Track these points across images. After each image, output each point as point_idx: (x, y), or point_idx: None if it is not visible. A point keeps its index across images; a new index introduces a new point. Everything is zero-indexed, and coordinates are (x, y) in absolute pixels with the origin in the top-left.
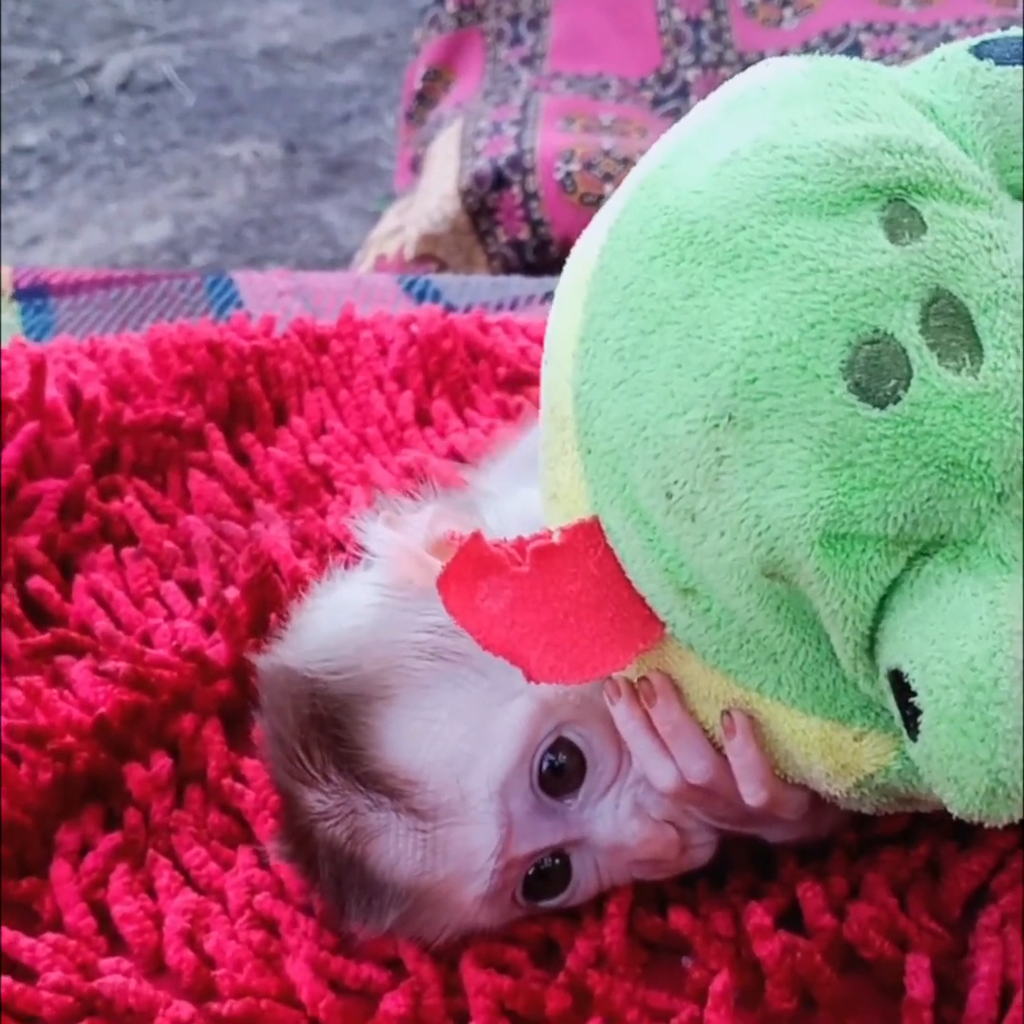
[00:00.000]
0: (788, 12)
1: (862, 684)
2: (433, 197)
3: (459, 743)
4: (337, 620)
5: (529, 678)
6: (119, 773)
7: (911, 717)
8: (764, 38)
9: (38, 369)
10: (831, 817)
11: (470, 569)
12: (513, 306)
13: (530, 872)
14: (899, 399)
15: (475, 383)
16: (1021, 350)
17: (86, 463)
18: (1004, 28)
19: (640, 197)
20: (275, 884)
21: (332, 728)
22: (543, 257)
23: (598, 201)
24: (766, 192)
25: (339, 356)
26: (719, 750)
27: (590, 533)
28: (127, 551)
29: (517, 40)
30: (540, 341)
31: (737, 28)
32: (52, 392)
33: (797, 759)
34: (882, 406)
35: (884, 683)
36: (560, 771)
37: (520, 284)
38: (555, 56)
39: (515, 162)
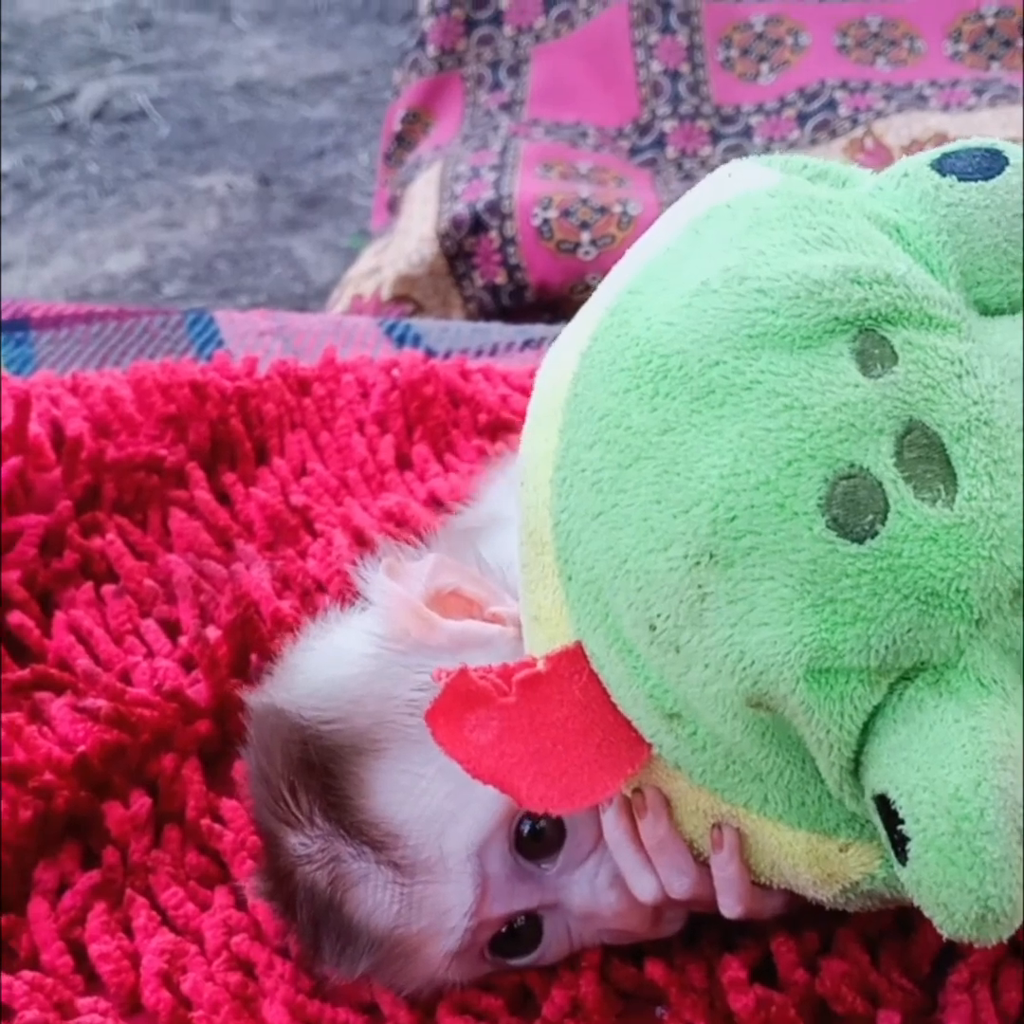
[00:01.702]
0: (764, 67)
1: (848, 802)
2: (411, 239)
3: (443, 801)
4: (332, 666)
5: (521, 806)
6: (98, 811)
7: (899, 843)
8: (741, 92)
9: (22, 404)
10: (801, 900)
11: (458, 702)
12: (493, 353)
13: (501, 931)
14: (877, 534)
15: (455, 429)
16: (994, 477)
17: (68, 499)
18: (977, 90)
19: (611, 324)
20: (252, 926)
21: (321, 775)
22: (519, 302)
23: (574, 249)
24: (738, 327)
25: (321, 398)
26: (702, 862)
27: (574, 659)
28: (107, 588)
29: (497, 86)
30: (521, 389)
31: (714, 81)
32: (35, 427)
33: (784, 869)
34: (860, 541)
35: (870, 804)
36: (539, 836)
37: (500, 331)
38: (534, 103)
39: (493, 207)
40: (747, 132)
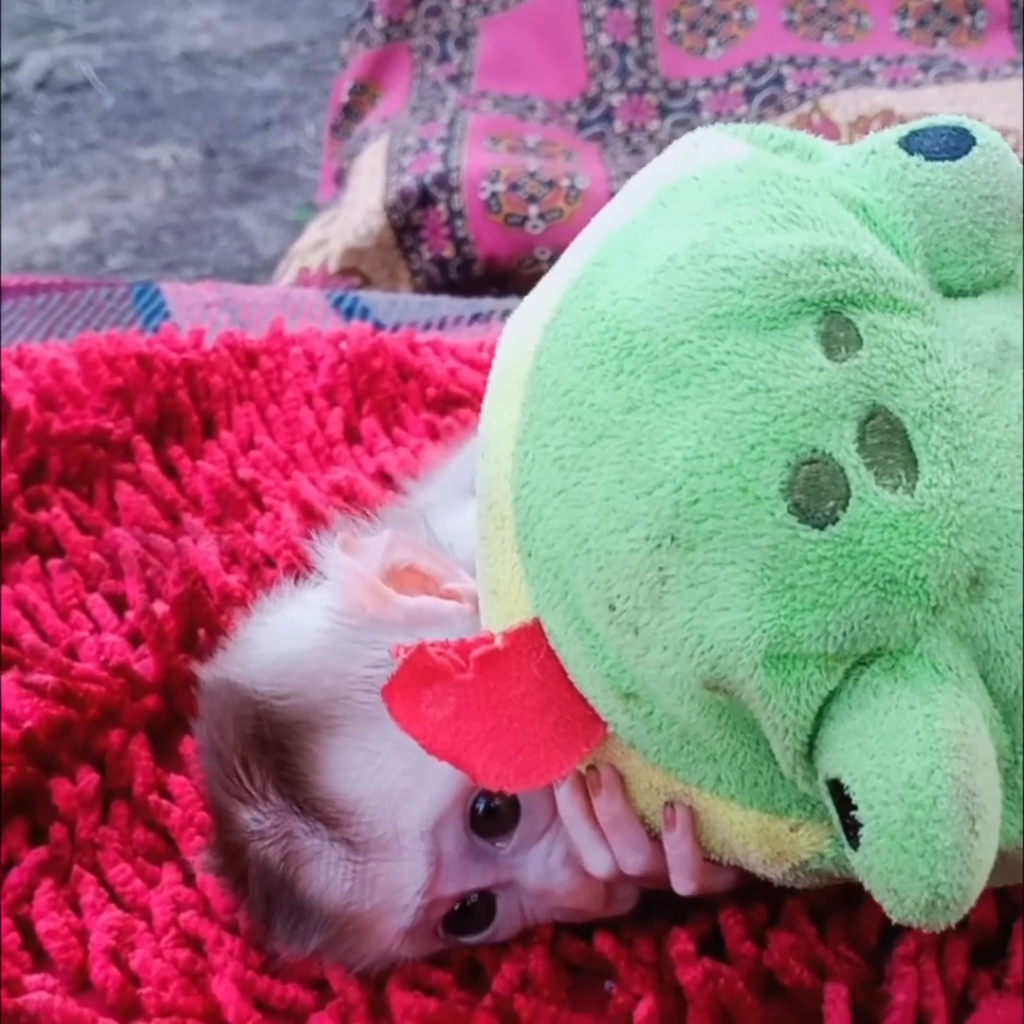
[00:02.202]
0: (712, 42)
1: (800, 784)
2: (358, 211)
3: (398, 778)
4: (286, 641)
5: (476, 783)
6: (45, 787)
7: (851, 827)
8: (689, 66)
9: None
10: (751, 875)
11: (415, 678)
12: (441, 326)
13: (454, 908)
14: (837, 519)
15: (404, 402)
16: (955, 463)
17: (13, 473)
18: (923, 67)
19: (576, 297)
20: (201, 902)
21: (275, 750)
22: (466, 275)
23: (522, 222)
24: (704, 306)
25: (269, 371)
26: (654, 837)
27: (532, 636)
28: (53, 562)
29: (445, 58)
30: (470, 363)
31: (662, 55)
32: None
33: (734, 846)
34: (821, 527)
35: (823, 787)
36: (494, 814)
37: (448, 304)
38: (482, 75)
39: (441, 180)
40: (695, 107)
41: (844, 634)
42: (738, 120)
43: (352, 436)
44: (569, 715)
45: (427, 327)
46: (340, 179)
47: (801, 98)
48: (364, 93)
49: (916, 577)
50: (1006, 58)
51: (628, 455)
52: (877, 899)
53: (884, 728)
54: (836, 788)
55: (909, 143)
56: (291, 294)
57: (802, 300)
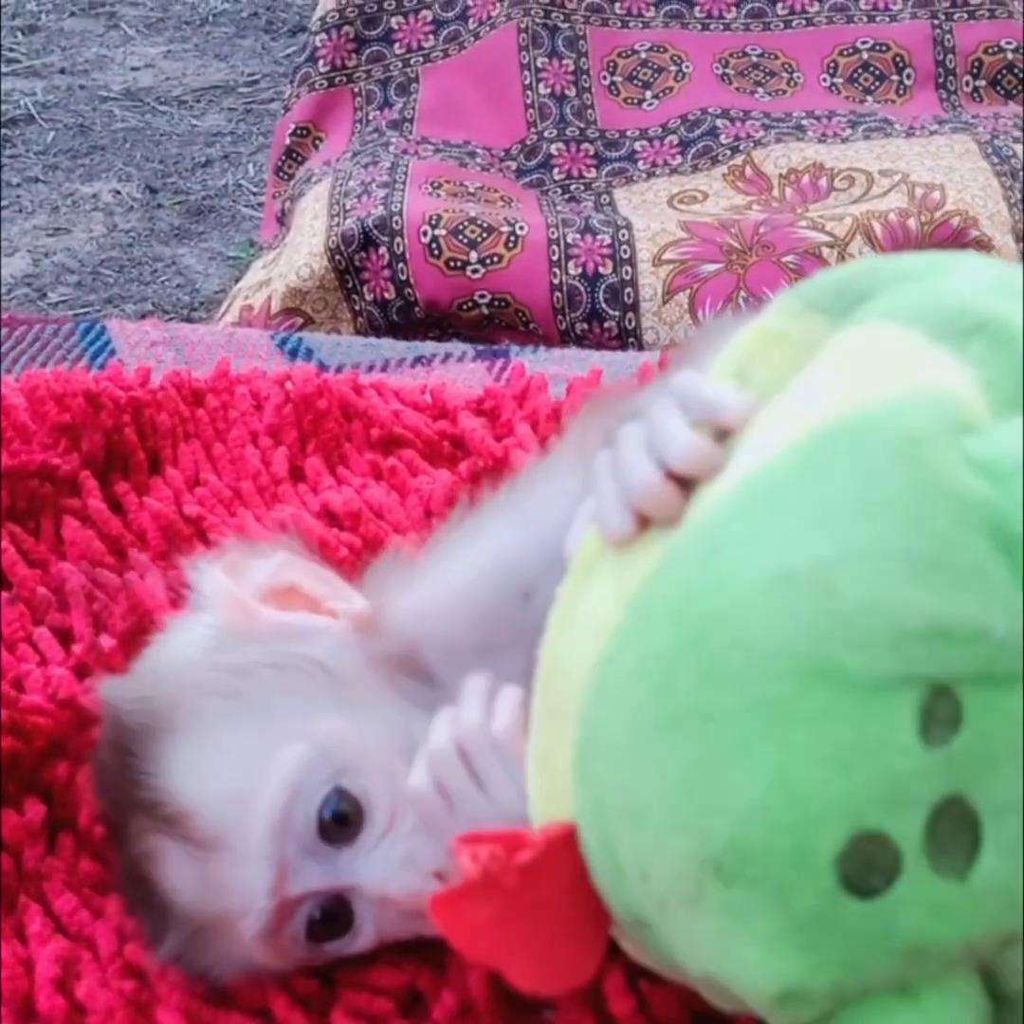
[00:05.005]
0: (649, 94)
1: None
2: (301, 253)
3: (237, 779)
4: (155, 656)
5: (514, 984)
6: None
7: None
8: (625, 118)
9: None
10: None
11: (468, 890)
12: (384, 368)
13: (315, 914)
14: (881, 894)
15: (348, 442)
16: (1018, 854)
17: None
18: (852, 122)
19: (689, 553)
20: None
21: (124, 754)
22: (407, 318)
23: (463, 267)
24: (811, 649)
25: (215, 410)
26: None
27: (569, 841)
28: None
29: (387, 103)
30: (412, 405)
31: (600, 106)
32: None
33: None
34: (864, 897)
35: None
36: (338, 819)
37: (391, 347)
38: (423, 122)
39: (383, 224)
40: (631, 157)
41: (857, 986)
42: (674, 172)
43: (297, 475)
44: (592, 913)
45: (370, 369)
46: (282, 220)
47: (734, 151)
48: (307, 136)
49: (944, 951)
50: (932, 115)
51: (698, 766)
52: None
53: None
54: None
55: None
56: (236, 334)
57: (914, 675)
